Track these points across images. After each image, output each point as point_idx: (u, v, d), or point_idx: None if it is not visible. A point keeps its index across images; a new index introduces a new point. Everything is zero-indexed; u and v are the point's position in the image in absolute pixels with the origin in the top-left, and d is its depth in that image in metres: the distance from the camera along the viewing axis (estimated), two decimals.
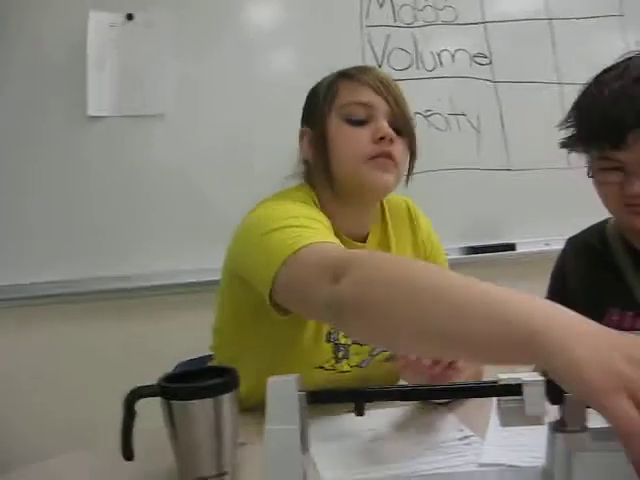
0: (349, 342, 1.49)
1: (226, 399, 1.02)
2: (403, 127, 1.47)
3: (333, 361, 1.47)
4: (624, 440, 0.62)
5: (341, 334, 1.47)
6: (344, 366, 1.48)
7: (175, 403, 1.00)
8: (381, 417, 1.25)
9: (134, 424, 1.02)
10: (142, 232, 2.39)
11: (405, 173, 1.51)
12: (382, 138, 1.41)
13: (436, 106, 2.63)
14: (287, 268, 1.08)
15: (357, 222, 1.52)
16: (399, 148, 1.45)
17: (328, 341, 1.47)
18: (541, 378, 0.84)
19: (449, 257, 1.86)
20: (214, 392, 1.01)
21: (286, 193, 1.46)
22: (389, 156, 1.42)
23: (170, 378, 1.03)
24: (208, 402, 1.00)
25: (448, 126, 2.66)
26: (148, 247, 2.39)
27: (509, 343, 0.72)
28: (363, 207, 1.51)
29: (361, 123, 1.44)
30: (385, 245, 1.58)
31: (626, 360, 0.65)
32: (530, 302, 0.74)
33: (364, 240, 1.54)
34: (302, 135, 1.55)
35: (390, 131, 1.43)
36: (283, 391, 0.96)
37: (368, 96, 1.45)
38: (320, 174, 1.48)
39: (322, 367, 1.46)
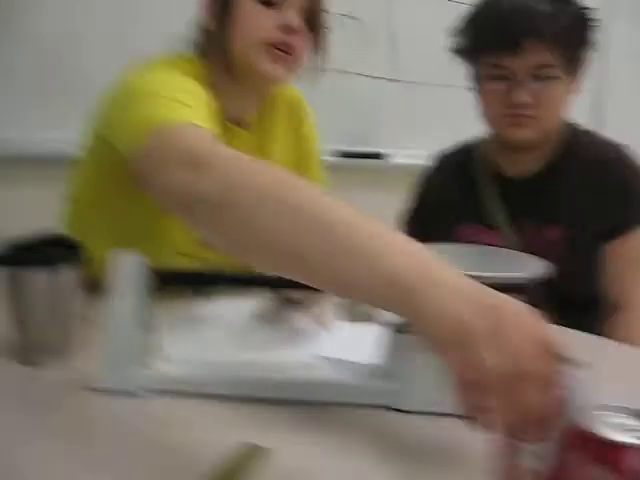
0: None
1: (65, 271, 0.97)
2: (315, 21, 1.40)
3: (197, 247, 1.40)
4: (458, 389, 0.63)
5: None
6: (210, 254, 1.36)
7: (9, 271, 0.96)
8: (233, 306, 1.23)
9: None
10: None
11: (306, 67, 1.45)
12: (287, 28, 1.35)
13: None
14: (148, 140, 0.98)
15: (243, 106, 1.46)
16: (302, 43, 1.38)
17: None
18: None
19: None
20: (51, 262, 0.96)
21: (176, 62, 1.35)
22: (288, 49, 1.35)
23: (10, 249, 0.98)
24: (44, 272, 0.96)
25: (341, 27, 2.60)
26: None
27: (380, 296, 0.66)
28: (252, 91, 1.45)
29: (270, 4, 1.35)
30: (267, 134, 1.53)
31: (481, 316, 0.62)
32: (407, 256, 0.67)
33: (246, 127, 1.48)
34: None
35: (297, 24, 1.35)
36: (127, 266, 0.93)
37: None
38: (216, 46, 1.39)
39: (185, 254, 1.40)
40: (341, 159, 2.72)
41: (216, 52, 1.39)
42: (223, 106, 1.38)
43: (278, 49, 1.34)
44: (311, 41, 1.41)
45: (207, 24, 1.40)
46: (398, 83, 2.79)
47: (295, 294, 1.21)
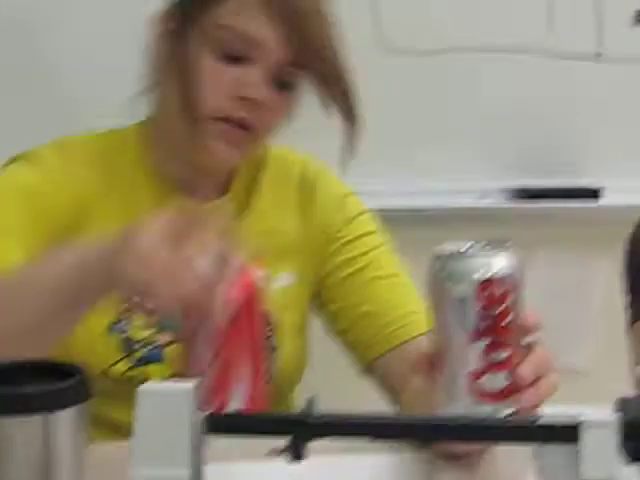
0: (156, 338, 1.04)
1: (65, 417, 0.60)
2: (310, 65, 1.02)
3: (125, 366, 1.03)
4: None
5: (134, 323, 1.03)
6: (152, 370, 1.03)
7: None
8: (330, 468, 0.83)
9: None
10: None
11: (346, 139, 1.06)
12: (248, 103, 1.00)
13: None
14: None
15: (199, 181, 1.09)
16: (267, 119, 1.03)
17: (110, 332, 1.03)
18: (611, 415, 0.58)
19: (476, 205, 1.48)
20: (44, 404, 0.59)
21: (68, 147, 1.08)
22: (242, 125, 1.00)
23: None
24: (33, 422, 0.59)
25: None
26: None
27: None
28: (200, 172, 1.08)
29: (237, 60, 1.00)
30: (244, 205, 1.12)
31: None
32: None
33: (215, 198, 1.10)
34: (156, 20, 1.06)
35: (262, 95, 1.00)
36: (166, 409, 0.57)
37: (257, 26, 1.00)
38: (169, 96, 1.04)
39: (107, 374, 1.02)
40: (515, 203, 1.67)
41: (170, 101, 1.04)
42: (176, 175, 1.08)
43: (233, 122, 1.01)
44: (288, 105, 1.05)
45: (158, 62, 1.05)
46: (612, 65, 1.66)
47: (456, 446, 0.84)
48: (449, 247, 0.71)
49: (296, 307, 1.11)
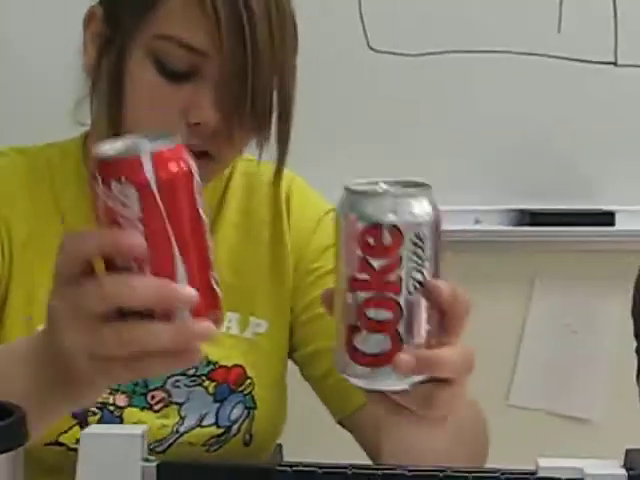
0: (116, 400, 0.94)
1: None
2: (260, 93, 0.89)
3: (79, 432, 0.85)
4: None
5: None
6: None
7: None
8: None
9: None
10: None
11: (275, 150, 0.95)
12: (198, 130, 0.88)
13: None
14: None
15: None
16: (233, 137, 0.90)
17: None
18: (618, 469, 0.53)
19: (479, 228, 1.39)
20: None
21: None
22: (196, 154, 0.88)
23: None
24: None
25: None
26: None
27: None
28: None
29: (179, 77, 0.87)
30: (213, 233, 1.03)
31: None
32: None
33: None
34: (89, 17, 0.94)
35: (214, 120, 0.87)
36: (114, 457, 0.49)
37: (201, 35, 0.86)
38: (99, 111, 0.94)
39: (59, 442, 0.92)
40: (525, 229, 1.54)
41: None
42: None
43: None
44: (251, 130, 0.91)
45: (91, 67, 0.93)
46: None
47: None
48: (360, 182, 0.62)
49: (273, 358, 1.00)
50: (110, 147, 0.59)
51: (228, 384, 0.96)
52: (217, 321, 0.61)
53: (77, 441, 0.88)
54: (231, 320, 0.98)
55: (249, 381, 0.97)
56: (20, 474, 0.54)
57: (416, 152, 1.45)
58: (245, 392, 0.97)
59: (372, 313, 0.60)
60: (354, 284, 0.61)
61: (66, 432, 0.90)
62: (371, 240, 0.59)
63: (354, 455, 0.90)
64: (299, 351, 1.01)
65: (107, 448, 0.53)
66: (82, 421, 0.91)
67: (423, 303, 0.61)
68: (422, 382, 0.63)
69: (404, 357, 0.61)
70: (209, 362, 0.96)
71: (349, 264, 0.61)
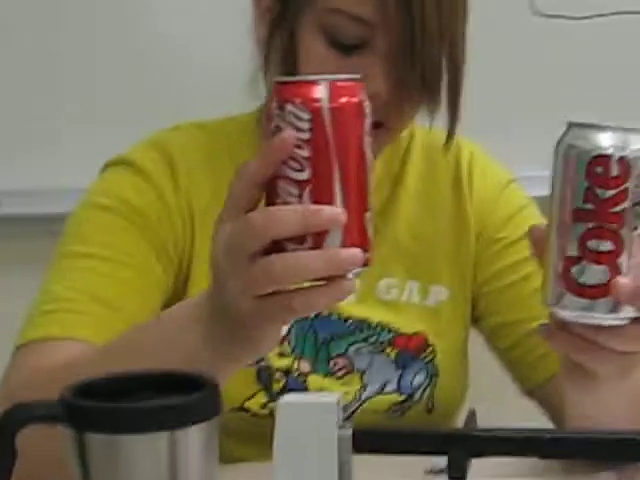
0: (300, 367, 0.95)
1: (194, 435, 0.54)
2: (429, 66, 0.87)
3: (263, 398, 0.93)
4: None
5: (273, 350, 0.92)
6: None
7: (95, 438, 0.53)
8: None
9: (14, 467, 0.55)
10: None
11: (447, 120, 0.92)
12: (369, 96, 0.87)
13: None
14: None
15: None
16: (403, 106, 0.90)
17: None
18: None
19: None
20: (171, 420, 0.53)
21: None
22: (375, 125, 0.87)
23: (83, 390, 0.56)
24: (160, 439, 0.53)
25: None
26: None
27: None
28: None
29: (350, 49, 0.87)
30: (393, 202, 1.00)
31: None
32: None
33: None
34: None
35: (383, 86, 0.86)
36: (310, 425, 0.50)
37: (370, 6, 0.85)
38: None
39: (244, 408, 0.93)
40: None
41: None
42: None
43: None
44: (421, 98, 0.90)
45: (262, 44, 0.94)
46: None
47: None
48: (583, 119, 0.63)
49: (454, 326, 0.99)
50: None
51: (410, 351, 0.96)
52: (366, 263, 0.61)
53: (262, 406, 0.92)
54: (412, 288, 0.98)
55: (431, 348, 0.96)
56: (215, 443, 0.55)
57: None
58: (427, 359, 0.96)
59: (593, 244, 0.61)
60: (577, 214, 0.61)
61: (251, 398, 0.92)
62: (599, 170, 0.61)
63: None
64: (484, 321, 1.00)
65: (304, 417, 0.54)
66: (267, 387, 0.93)
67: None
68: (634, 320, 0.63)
69: (624, 281, 0.61)
70: (390, 329, 0.96)
71: (572, 195, 0.62)
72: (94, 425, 0.53)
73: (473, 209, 1.00)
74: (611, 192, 0.60)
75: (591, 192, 0.60)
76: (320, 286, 0.61)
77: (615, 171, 0.60)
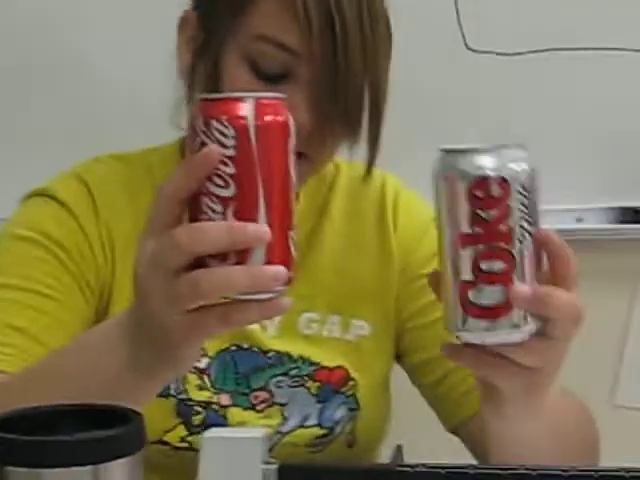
0: (220, 400, 0.94)
1: (117, 468, 0.53)
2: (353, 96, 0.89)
3: (183, 431, 0.93)
4: None
5: (193, 383, 0.93)
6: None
7: (17, 472, 0.52)
8: None
9: None
10: None
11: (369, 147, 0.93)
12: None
13: None
14: None
15: None
16: (325, 138, 0.90)
17: (167, 395, 0.92)
18: None
19: (581, 227, 1.37)
20: (94, 454, 0.52)
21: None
22: (297, 155, 0.88)
23: (3, 422, 0.55)
24: (84, 473, 0.52)
25: None
26: None
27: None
28: None
29: (274, 79, 0.87)
30: (316, 235, 1.01)
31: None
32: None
33: None
34: (183, 22, 0.95)
35: (309, 121, 0.86)
36: (235, 460, 0.50)
37: (295, 36, 0.86)
38: None
39: (163, 441, 0.92)
40: (629, 226, 1.48)
41: None
42: None
43: None
44: (343, 130, 0.90)
45: (186, 69, 0.94)
46: None
47: None
48: (455, 144, 0.64)
49: (376, 360, 0.99)
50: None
51: (331, 385, 0.96)
52: (289, 281, 0.62)
53: (181, 440, 0.91)
54: (333, 322, 0.98)
55: (352, 382, 0.97)
56: (139, 476, 0.55)
57: None
58: (348, 393, 0.96)
59: (486, 266, 0.62)
60: (465, 239, 0.62)
61: (170, 431, 0.92)
62: (480, 193, 0.61)
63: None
64: (409, 357, 1.01)
65: (229, 451, 0.53)
66: (186, 420, 0.92)
67: (532, 252, 0.63)
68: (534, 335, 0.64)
69: (523, 288, 0.62)
70: (311, 363, 0.96)
71: (457, 222, 0.63)
72: (15, 459, 0.52)
73: (397, 245, 1.00)
74: (494, 212, 0.62)
75: (475, 215, 0.62)
76: (254, 300, 0.61)
77: (496, 191, 0.61)
